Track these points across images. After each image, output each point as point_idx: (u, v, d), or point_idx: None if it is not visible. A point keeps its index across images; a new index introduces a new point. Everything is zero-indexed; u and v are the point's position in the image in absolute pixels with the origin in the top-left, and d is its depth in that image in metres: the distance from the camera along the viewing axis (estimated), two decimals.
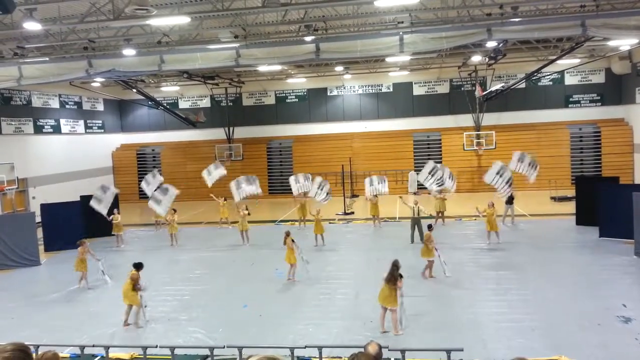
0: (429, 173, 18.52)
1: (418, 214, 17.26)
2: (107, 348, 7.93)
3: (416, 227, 17.22)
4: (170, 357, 7.75)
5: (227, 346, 7.81)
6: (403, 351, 6.97)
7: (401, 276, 9.85)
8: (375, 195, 20.07)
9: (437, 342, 8.81)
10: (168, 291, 13.27)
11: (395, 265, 9.86)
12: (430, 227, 14.06)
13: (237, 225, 18.63)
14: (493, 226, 16.65)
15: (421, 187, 29.36)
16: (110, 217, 19.05)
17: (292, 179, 21.25)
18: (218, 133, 32.21)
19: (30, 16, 13.44)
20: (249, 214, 18.40)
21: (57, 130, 28.17)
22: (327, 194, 19.39)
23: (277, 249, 17.53)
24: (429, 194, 27.63)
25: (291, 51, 15.78)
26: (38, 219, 18.38)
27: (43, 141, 27.01)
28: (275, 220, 22.86)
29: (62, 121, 28.65)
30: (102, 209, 18.54)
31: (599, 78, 28.96)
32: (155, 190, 18.91)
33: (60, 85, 25.18)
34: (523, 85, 27.93)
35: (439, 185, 18.30)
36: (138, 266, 11.29)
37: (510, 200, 19.17)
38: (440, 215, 19.99)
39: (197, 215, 25.32)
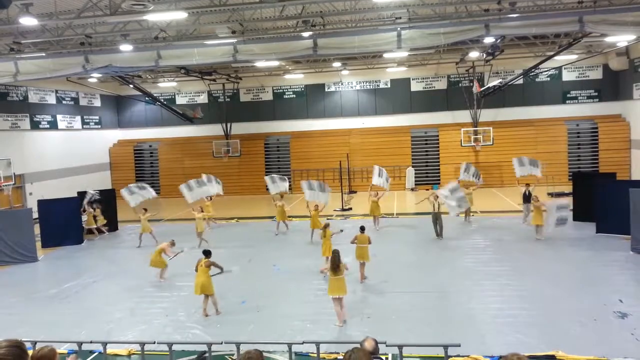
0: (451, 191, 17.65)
1: (438, 209, 17.24)
2: (104, 344, 7.91)
3: (437, 222, 17.22)
4: (168, 353, 7.74)
5: (224, 342, 7.81)
6: (400, 346, 6.97)
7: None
8: (377, 193, 19.37)
9: (435, 338, 8.84)
10: (166, 287, 13.28)
11: (336, 255, 10.26)
12: (362, 228, 13.25)
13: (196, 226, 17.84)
14: (538, 220, 16.28)
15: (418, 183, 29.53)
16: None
17: (267, 179, 20.84)
18: (215, 129, 32.16)
19: (26, 11, 13.39)
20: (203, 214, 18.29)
21: (53, 126, 28.07)
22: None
23: (275, 245, 17.59)
24: (428, 189, 27.70)
25: (289, 47, 15.73)
26: (35, 215, 18.33)
27: (40, 137, 26.93)
28: (273, 216, 22.83)
29: (59, 117, 28.56)
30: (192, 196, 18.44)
31: (596, 74, 29.00)
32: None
33: (56, 80, 25.07)
34: (521, 82, 27.95)
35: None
36: (208, 253, 11.33)
37: (527, 199, 18.24)
38: (467, 211, 19.27)
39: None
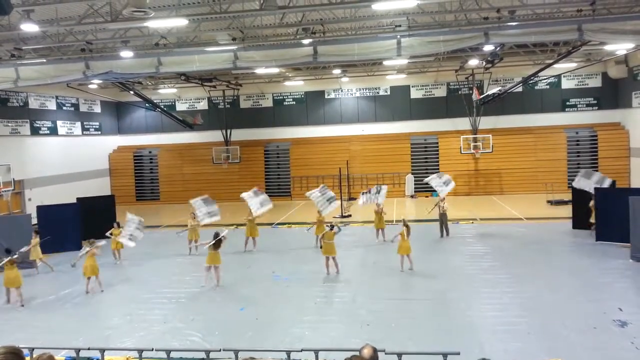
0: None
1: (443, 210, 18.19)
2: (102, 351, 7.88)
3: (442, 223, 18.36)
4: None
5: (223, 349, 7.77)
6: (400, 354, 6.94)
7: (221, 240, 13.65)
8: (379, 204, 18.40)
9: (434, 345, 8.80)
10: (164, 294, 13.23)
11: (217, 236, 13.61)
12: (331, 227, 14.70)
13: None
14: None
15: (418, 190, 29.52)
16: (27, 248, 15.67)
17: (245, 196, 18.57)
18: (215, 135, 32.18)
19: (27, 17, 13.44)
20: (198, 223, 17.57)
21: (53, 131, 28.09)
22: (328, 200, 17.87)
23: (274, 251, 17.55)
24: (427, 197, 27.73)
25: (289, 54, 15.78)
26: (34, 220, 18.28)
27: (40, 143, 26.92)
28: (272, 223, 22.84)
29: (59, 123, 28.57)
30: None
31: (595, 82, 29.09)
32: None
33: (57, 86, 25.11)
34: (520, 89, 28.00)
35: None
36: (9, 252, 13.07)
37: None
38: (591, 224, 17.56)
39: None
